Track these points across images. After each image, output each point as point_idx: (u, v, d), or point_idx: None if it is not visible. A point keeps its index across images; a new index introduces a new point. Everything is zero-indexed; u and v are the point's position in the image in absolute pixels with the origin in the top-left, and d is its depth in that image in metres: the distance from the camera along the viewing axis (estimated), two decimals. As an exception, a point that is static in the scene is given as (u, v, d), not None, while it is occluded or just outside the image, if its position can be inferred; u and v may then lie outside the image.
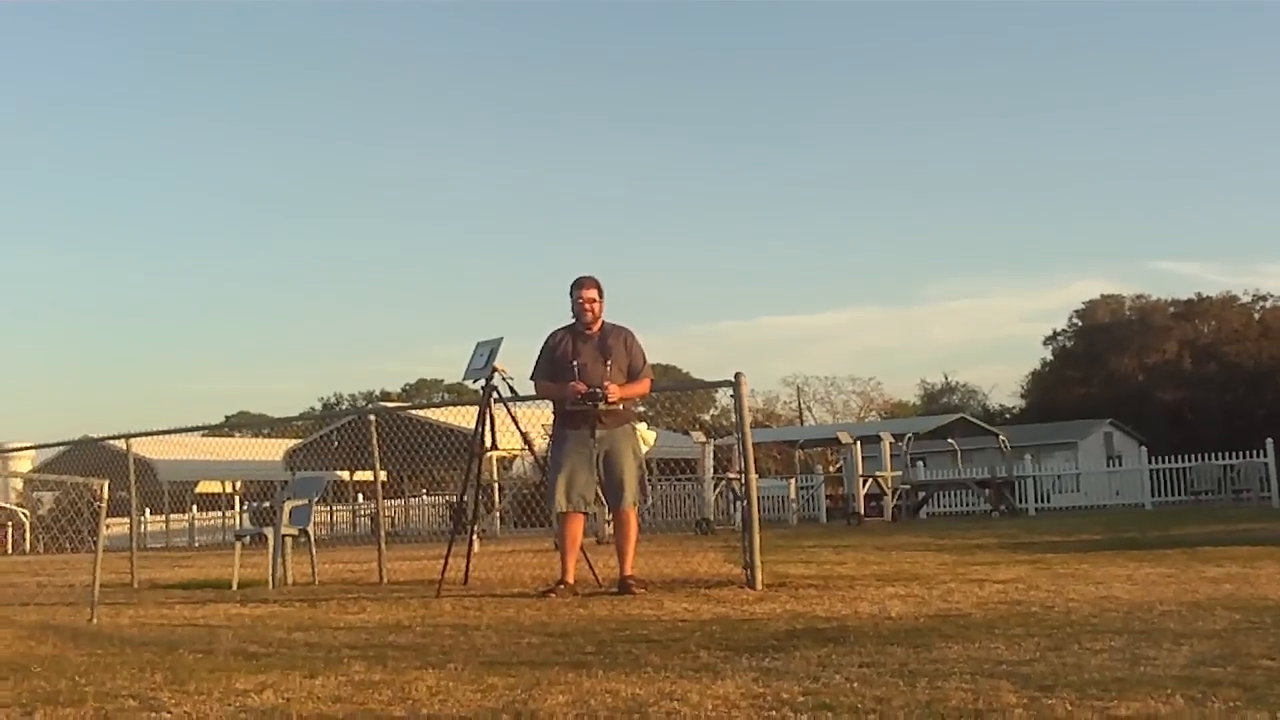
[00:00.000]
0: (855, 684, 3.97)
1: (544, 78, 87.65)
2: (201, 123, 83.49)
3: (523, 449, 9.94)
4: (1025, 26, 76.25)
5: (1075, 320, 54.95)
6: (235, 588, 10.31)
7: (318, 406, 67.26)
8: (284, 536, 10.81)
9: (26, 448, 25.86)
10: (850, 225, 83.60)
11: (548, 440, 8.91)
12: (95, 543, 7.97)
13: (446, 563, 8.84)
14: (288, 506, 11.05)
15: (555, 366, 8.13)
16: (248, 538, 11.48)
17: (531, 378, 8.44)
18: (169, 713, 3.97)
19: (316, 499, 11.76)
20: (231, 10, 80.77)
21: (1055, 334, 55.68)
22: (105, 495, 7.93)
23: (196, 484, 39.51)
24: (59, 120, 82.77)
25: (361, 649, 5.59)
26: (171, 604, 9.14)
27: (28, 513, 37.81)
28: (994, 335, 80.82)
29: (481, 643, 5.66)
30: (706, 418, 54.74)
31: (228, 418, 37.56)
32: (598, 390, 7.87)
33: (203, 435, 40.25)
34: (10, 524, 36.82)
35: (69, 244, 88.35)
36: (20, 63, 77.63)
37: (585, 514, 8.31)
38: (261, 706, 4.03)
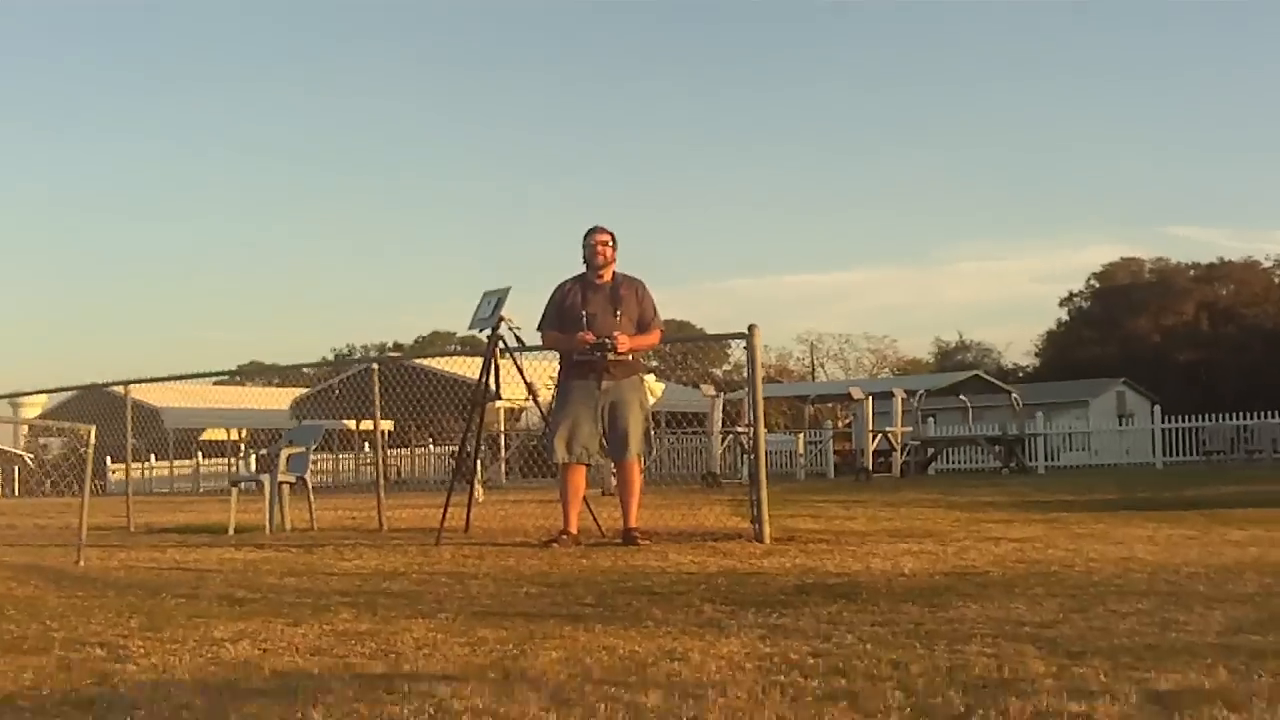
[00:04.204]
0: (869, 645, 3.72)
1: (561, 29, 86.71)
2: (214, 72, 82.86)
3: (528, 399, 9.68)
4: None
5: (1093, 283, 54.44)
6: (231, 533, 10.11)
7: (330, 358, 67.03)
8: (281, 483, 10.60)
9: (27, 393, 25.67)
10: (868, 184, 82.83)
11: (553, 391, 8.67)
12: (82, 487, 7.74)
13: (446, 510, 8.59)
14: (285, 453, 10.85)
15: (564, 317, 7.88)
16: (243, 484, 11.26)
17: (538, 328, 8.18)
18: (135, 664, 3.73)
19: (314, 446, 11.53)
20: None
21: (1072, 295, 55.12)
22: (92, 440, 7.70)
23: (202, 431, 39.42)
24: (66, 71, 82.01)
25: (352, 596, 5.37)
26: (164, 548, 8.94)
27: (33, 456, 37.79)
28: (1009, 295, 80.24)
29: (477, 592, 5.43)
30: (719, 373, 54.50)
31: (239, 367, 37.23)
32: (606, 341, 7.61)
33: (213, 383, 40.07)
34: (17, 467, 36.84)
35: (83, 188, 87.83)
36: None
37: (588, 465, 8.06)
38: (234, 658, 3.79)
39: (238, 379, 56.42)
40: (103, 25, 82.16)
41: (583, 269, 7.98)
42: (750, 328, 8.16)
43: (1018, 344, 67.65)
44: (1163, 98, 75.42)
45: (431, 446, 33.13)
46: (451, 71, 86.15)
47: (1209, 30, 72.97)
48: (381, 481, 10.77)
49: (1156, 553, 6.58)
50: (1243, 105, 74.29)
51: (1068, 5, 74.06)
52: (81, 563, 7.42)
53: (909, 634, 3.94)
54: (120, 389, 13.89)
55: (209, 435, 39.73)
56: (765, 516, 7.81)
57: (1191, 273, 52.25)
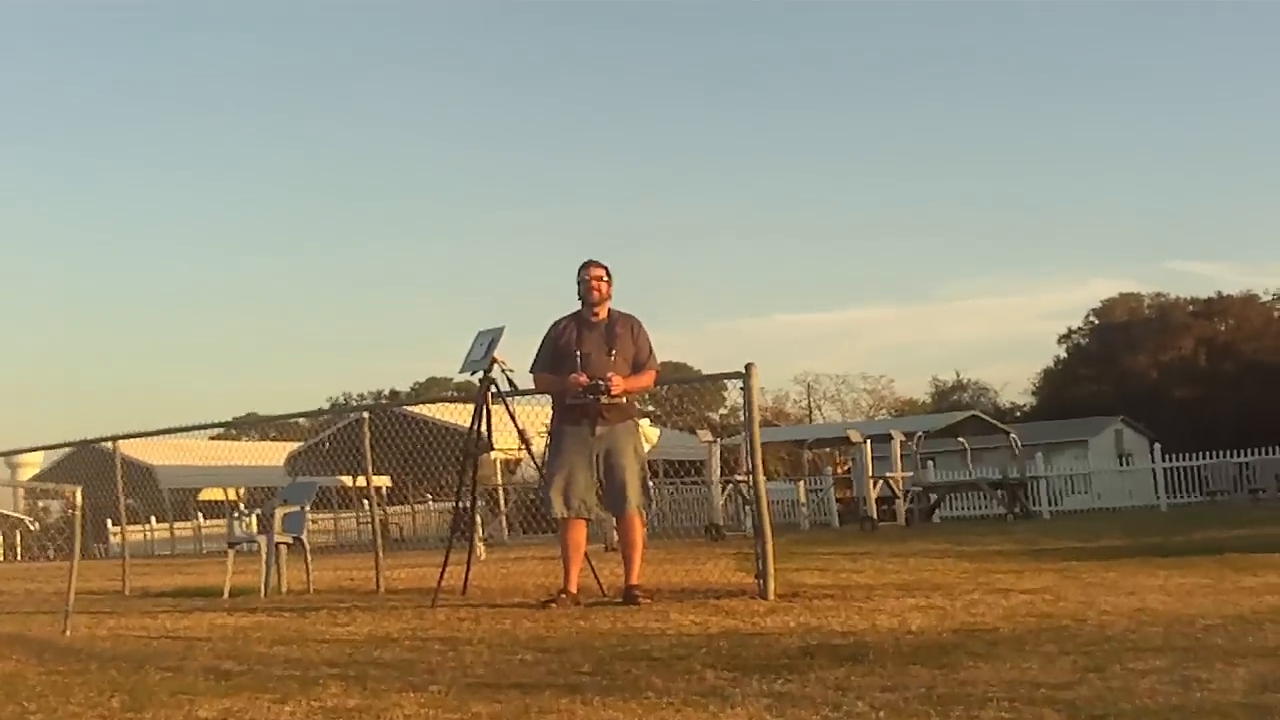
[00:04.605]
0: (881, 713, 3.56)
1: (562, 69, 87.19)
2: (210, 115, 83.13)
3: (520, 448, 9.43)
4: (1044, 23, 75.62)
5: (1092, 319, 54.43)
6: (226, 596, 9.92)
7: (326, 407, 66.69)
8: (278, 544, 10.42)
9: (21, 451, 25.38)
10: (865, 222, 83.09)
11: (545, 439, 8.46)
12: (71, 550, 7.56)
13: (444, 571, 8.40)
14: (280, 513, 10.66)
15: (557, 356, 7.65)
16: (241, 545, 11.08)
17: (531, 370, 7.95)
18: (112, 749, 3.57)
19: (308, 505, 11.34)
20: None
21: (1070, 332, 55.13)
22: (78, 501, 7.53)
23: (199, 491, 39.14)
24: (63, 109, 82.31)
25: (342, 667, 5.20)
26: (157, 613, 8.75)
27: (33, 520, 37.49)
28: (1008, 333, 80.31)
29: (471, 660, 5.25)
30: (715, 417, 54.23)
31: (233, 419, 36.93)
32: (600, 383, 7.38)
33: (209, 438, 39.75)
34: (18, 531, 36.52)
35: (75, 240, 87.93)
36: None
37: (587, 519, 7.86)
38: (216, 741, 3.63)
39: (232, 432, 56.12)
40: (87, 55, 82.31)
41: (578, 306, 7.79)
42: (747, 367, 7.88)
43: (1014, 383, 67.78)
44: (1162, 131, 75.80)
45: (431, 502, 32.82)
46: (446, 112, 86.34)
47: (1209, 65, 73.64)
48: (379, 541, 10.56)
49: (1170, 603, 6.40)
50: (1243, 138, 74.66)
51: (1068, 41, 74.57)
52: (68, 632, 7.23)
53: (921, 699, 3.78)
54: (110, 445, 13.59)
55: (206, 495, 39.46)
56: (770, 571, 7.61)
57: (1191, 308, 52.21)
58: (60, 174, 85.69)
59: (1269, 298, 51.61)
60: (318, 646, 6.06)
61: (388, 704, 4.11)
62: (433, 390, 62.55)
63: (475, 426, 8.44)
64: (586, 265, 7.71)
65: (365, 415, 11.18)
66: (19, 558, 33.74)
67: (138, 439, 15.03)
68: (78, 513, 7.68)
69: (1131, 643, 4.92)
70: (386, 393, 65.84)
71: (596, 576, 8.18)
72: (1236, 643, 4.77)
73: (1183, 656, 4.44)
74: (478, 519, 14.40)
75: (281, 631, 6.92)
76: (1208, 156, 75.56)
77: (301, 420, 42.85)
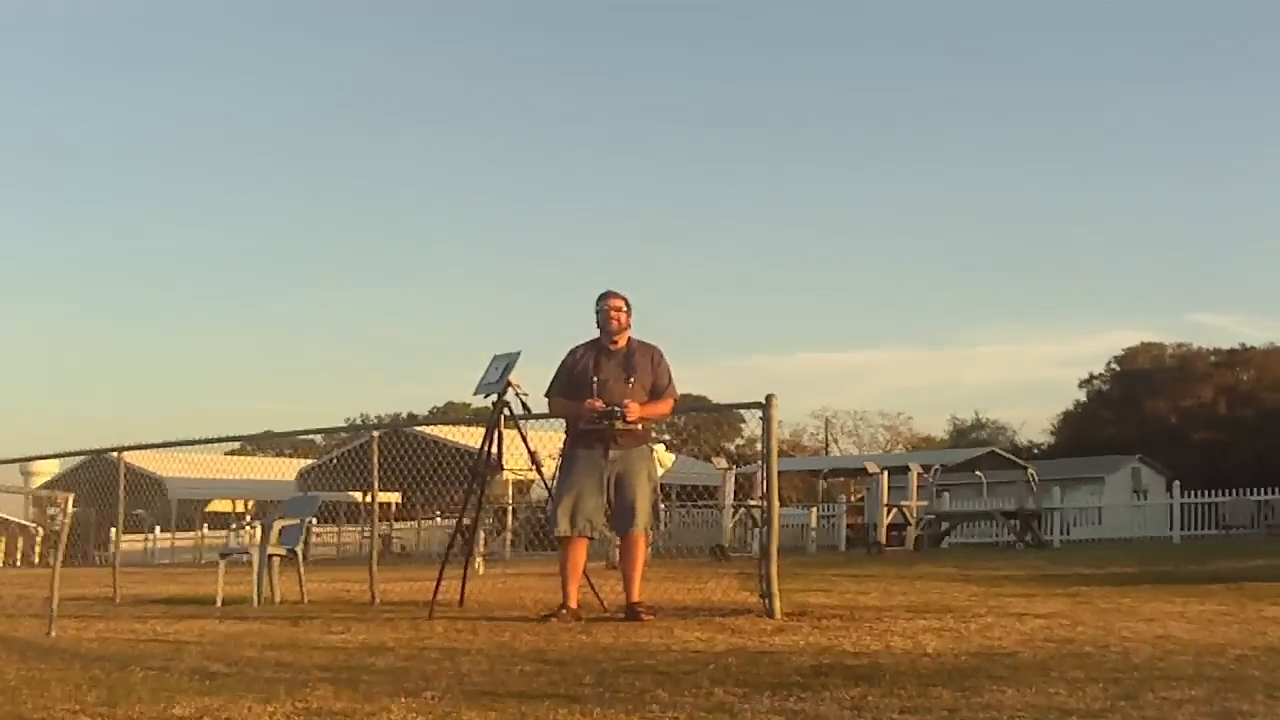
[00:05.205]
0: (900, 733, 3.33)
1: (581, 106, 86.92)
2: (222, 133, 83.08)
3: (530, 469, 9.29)
4: (1066, 76, 75.27)
5: (1114, 366, 54.16)
6: (219, 605, 9.72)
7: (341, 425, 66.41)
8: (271, 555, 10.24)
9: (33, 458, 25.31)
10: (888, 265, 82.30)
11: (558, 462, 8.31)
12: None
13: (439, 583, 8.19)
14: (277, 525, 10.50)
15: (574, 383, 7.53)
16: (231, 556, 10.92)
17: (546, 394, 7.82)
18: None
19: (310, 519, 11.19)
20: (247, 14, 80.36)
21: (1092, 377, 54.81)
22: (69, 508, 7.37)
23: (208, 502, 38.97)
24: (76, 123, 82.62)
25: (334, 672, 4.98)
26: (147, 619, 8.54)
27: (39, 527, 37.39)
28: (1026, 378, 79.35)
29: (468, 669, 5.03)
30: (731, 447, 53.91)
31: (244, 435, 36.83)
32: (616, 409, 7.25)
33: (225, 453, 39.61)
34: (21, 537, 36.45)
35: (96, 254, 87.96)
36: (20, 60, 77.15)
37: (590, 539, 7.67)
38: (189, 739, 3.41)
39: (249, 448, 56.08)
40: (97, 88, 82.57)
41: (597, 334, 7.65)
42: (768, 397, 7.80)
43: (1033, 423, 67.21)
44: (1185, 182, 75.34)
45: (439, 519, 32.64)
46: (464, 140, 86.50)
47: (1232, 113, 73.18)
48: (374, 553, 10.38)
49: (1193, 631, 6.15)
50: (1265, 189, 74.14)
51: (1090, 93, 74.31)
52: (53, 633, 7.03)
53: (943, 721, 3.55)
54: (117, 455, 13.50)
55: (215, 506, 39.31)
56: (776, 590, 7.40)
57: (1213, 358, 51.96)
58: (87, 182, 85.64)
59: None
60: (310, 652, 5.85)
61: (376, 708, 3.90)
62: (451, 414, 62.32)
63: (486, 448, 8.31)
64: (605, 296, 7.61)
65: (375, 434, 11.17)
66: (18, 564, 33.65)
67: (150, 451, 15.00)
68: (66, 519, 7.49)
69: (1160, 670, 4.68)
70: (405, 415, 65.65)
71: (597, 593, 7.97)
72: (1275, 675, 4.52)
73: (1219, 687, 4.20)
74: (480, 534, 14.21)
75: (273, 638, 6.71)
76: (1229, 207, 75.10)
77: (318, 439, 42.74)
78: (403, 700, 4.05)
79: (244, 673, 5.03)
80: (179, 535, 35.78)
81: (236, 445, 41.62)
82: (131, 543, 34.55)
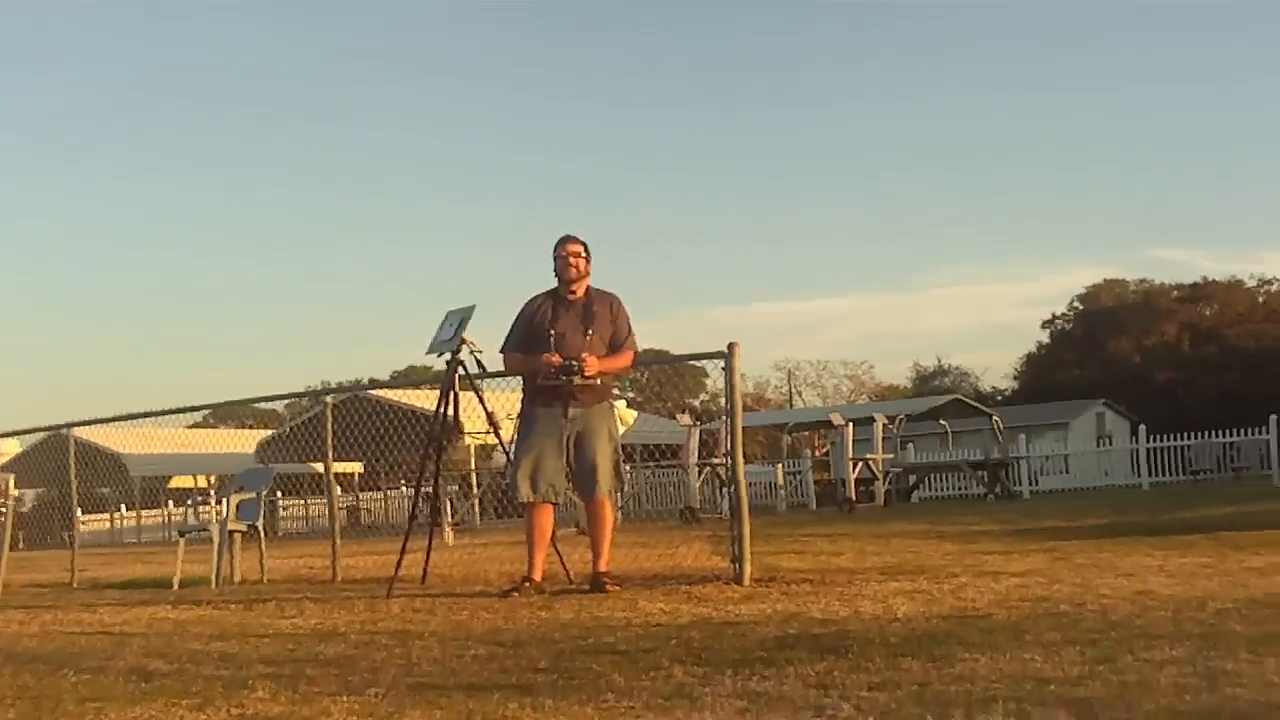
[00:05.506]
0: (870, 718, 3.12)
1: (541, 60, 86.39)
2: (186, 104, 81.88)
3: (488, 432, 8.96)
4: (1026, 13, 75.04)
5: (1076, 305, 54.25)
6: (176, 587, 9.45)
7: (299, 391, 65.70)
8: (231, 532, 9.94)
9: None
10: (846, 210, 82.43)
11: (515, 422, 8.01)
12: (1, 543, 7.09)
13: (400, 559, 7.95)
14: (234, 500, 10.19)
15: (532, 335, 7.17)
16: (190, 534, 10.58)
17: (501, 350, 7.45)
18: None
19: (265, 492, 10.88)
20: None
21: (1054, 317, 54.96)
22: (11, 490, 7.06)
23: (170, 479, 38.49)
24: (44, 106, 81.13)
25: (278, 665, 4.74)
26: (98, 606, 8.28)
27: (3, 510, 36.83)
28: (989, 320, 79.85)
29: (419, 656, 4.79)
30: (696, 403, 53.78)
31: (201, 405, 36.23)
32: (574, 363, 6.91)
33: (187, 427, 39.05)
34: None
35: (50, 228, 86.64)
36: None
37: (555, 504, 7.39)
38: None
39: (211, 420, 55.25)
40: (76, 52, 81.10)
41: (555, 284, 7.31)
42: (730, 346, 7.45)
43: (996, 368, 67.48)
44: (1147, 118, 75.40)
45: (404, 488, 32.33)
46: (427, 101, 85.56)
47: (1193, 51, 73.25)
48: (336, 528, 10.11)
49: (1173, 586, 5.99)
50: (1227, 125, 74.35)
51: (1048, 27, 74.18)
52: (-5, 629, 6.77)
53: (914, 699, 3.35)
54: (78, 432, 13.10)
55: (177, 483, 38.82)
56: (747, 555, 7.20)
57: (1175, 294, 52.12)
58: (49, 166, 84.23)
59: (1254, 283, 51.57)
60: (257, 642, 5.60)
61: (316, 711, 3.66)
62: (412, 377, 61.77)
63: (442, 410, 7.98)
64: (563, 241, 7.23)
65: (329, 400, 10.81)
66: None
67: (108, 426, 14.60)
68: (9, 501, 7.19)
69: (1139, 629, 4.50)
70: (366, 380, 64.98)
71: (563, 563, 7.74)
72: (1257, 629, 4.35)
73: (1200, 645, 4.01)
74: (447, 504, 13.92)
75: (223, 625, 6.46)
76: (1190, 143, 75.26)
77: (281, 409, 42.13)
78: (344, 700, 3.81)
79: (184, 670, 4.78)
80: (145, 514, 35.36)
81: (198, 418, 41.27)
82: (97, 523, 34.17)
